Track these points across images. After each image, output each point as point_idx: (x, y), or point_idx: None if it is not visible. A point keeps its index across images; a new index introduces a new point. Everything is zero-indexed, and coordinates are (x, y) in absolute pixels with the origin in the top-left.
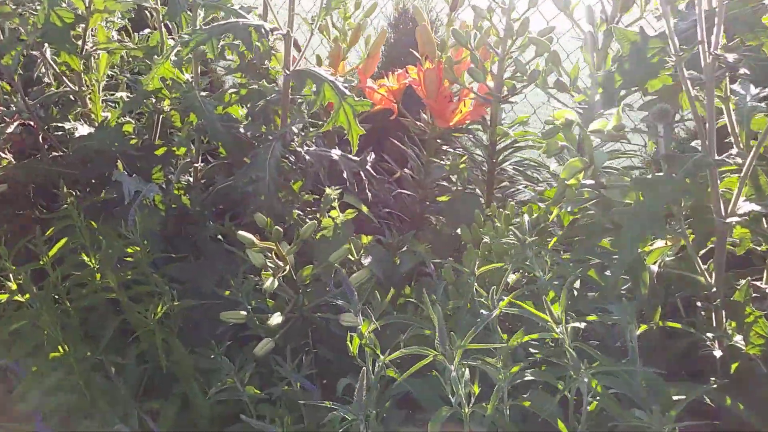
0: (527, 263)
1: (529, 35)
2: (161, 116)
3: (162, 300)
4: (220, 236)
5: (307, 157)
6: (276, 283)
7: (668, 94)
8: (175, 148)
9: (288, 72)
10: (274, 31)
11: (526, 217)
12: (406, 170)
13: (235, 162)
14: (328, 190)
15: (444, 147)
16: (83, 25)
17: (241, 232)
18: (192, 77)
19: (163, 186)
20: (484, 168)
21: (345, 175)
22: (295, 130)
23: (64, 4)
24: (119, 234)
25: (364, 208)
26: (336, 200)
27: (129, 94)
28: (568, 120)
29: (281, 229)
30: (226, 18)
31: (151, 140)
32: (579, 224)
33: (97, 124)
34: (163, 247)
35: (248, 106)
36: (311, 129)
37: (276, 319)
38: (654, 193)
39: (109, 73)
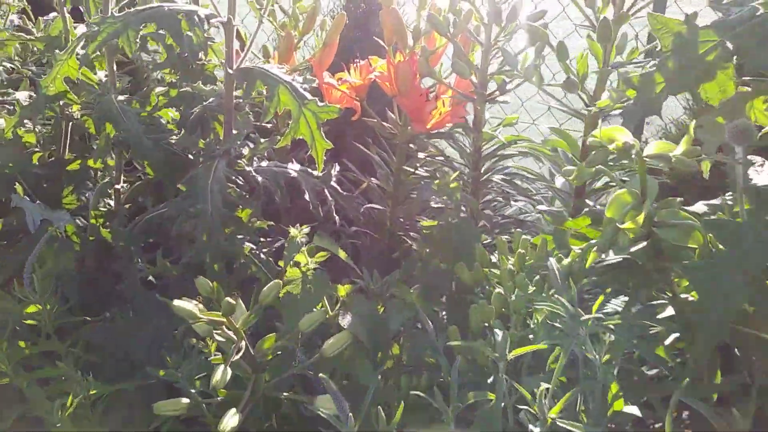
0: (581, 346)
1: (520, 21)
2: (71, 123)
3: (74, 389)
4: (152, 278)
5: (260, 178)
6: (228, 374)
7: (731, 103)
8: (91, 163)
9: (231, 71)
10: (210, 19)
11: (553, 264)
12: (373, 180)
13: (166, 183)
14: (293, 232)
15: (417, 153)
16: None
17: (177, 304)
18: (107, 75)
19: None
20: (466, 178)
21: (307, 195)
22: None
23: None
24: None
25: (342, 254)
26: (303, 242)
27: (32, 94)
28: (626, 144)
29: (233, 301)
30: (147, 2)
31: (60, 154)
32: (617, 269)
33: None
34: (78, 297)
35: (181, 111)
36: (262, 140)
37: (230, 422)
38: (737, 246)
39: (8, 65)
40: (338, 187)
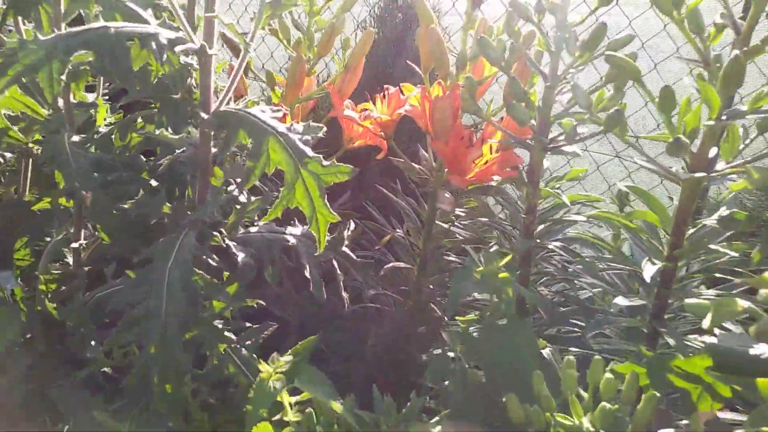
0: None
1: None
2: (31, 159)
3: None
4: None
5: (241, 257)
6: None
7: None
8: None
9: (206, 116)
10: (176, 46)
11: None
12: (398, 232)
13: (126, 252)
14: (263, 371)
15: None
16: None
17: None
18: (55, 109)
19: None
20: (514, 242)
21: (308, 271)
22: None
23: None
24: None
25: (337, 407)
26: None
27: None
28: None
29: None
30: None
31: (18, 194)
32: None
33: None
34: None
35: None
36: (252, 198)
37: None
38: None
39: None
40: (352, 255)
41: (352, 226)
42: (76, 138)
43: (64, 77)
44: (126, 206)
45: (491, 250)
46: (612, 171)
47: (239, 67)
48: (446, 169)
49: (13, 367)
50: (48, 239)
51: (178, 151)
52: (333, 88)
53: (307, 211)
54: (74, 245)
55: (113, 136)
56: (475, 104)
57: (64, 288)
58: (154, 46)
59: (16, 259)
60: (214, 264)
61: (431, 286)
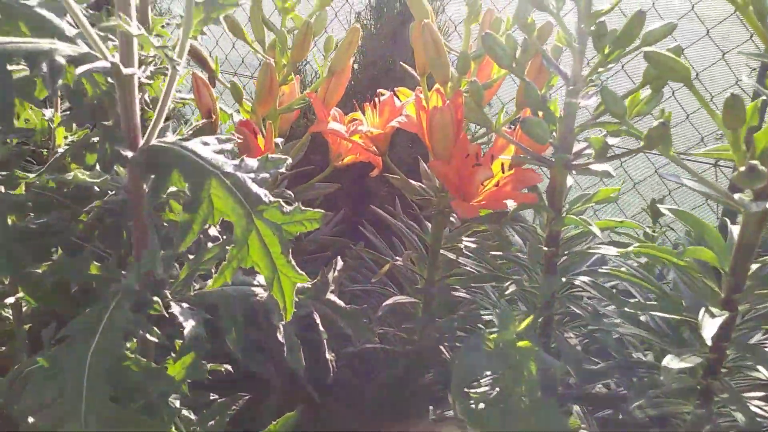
0: None
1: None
2: None
3: None
4: None
5: (187, 327)
6: None
7: None
8: None
9: (129, 153)
10: (79, 65)
11: None
12: (399, 261)
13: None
14: None
15: (463, 228)
16: None
17: None
18: None
19: None
20: (536, 276)
21: (281, 335)
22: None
23: None
24: None
25: None
26: None
27: None
28: None
29: None
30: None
31: None
32: None
33: None
34: None
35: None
36: (211, 242)
37: None
38: None
39: None
40: (337, 302)
41: (340, 264)
42: None
43: None
44: (40, 271)
45: (507, 290)
46: (649, 187)
47: (168, 88)
48: (452, 199)
49: None
50: None
51: (110, 193)
52: (316, 97)
53: (266, 273)
54: (10, 300)
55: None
56: (482, 113)
57: (4, 348)
58: (44, 69)
59: None
60: (156, 340)
61: (438, 320)
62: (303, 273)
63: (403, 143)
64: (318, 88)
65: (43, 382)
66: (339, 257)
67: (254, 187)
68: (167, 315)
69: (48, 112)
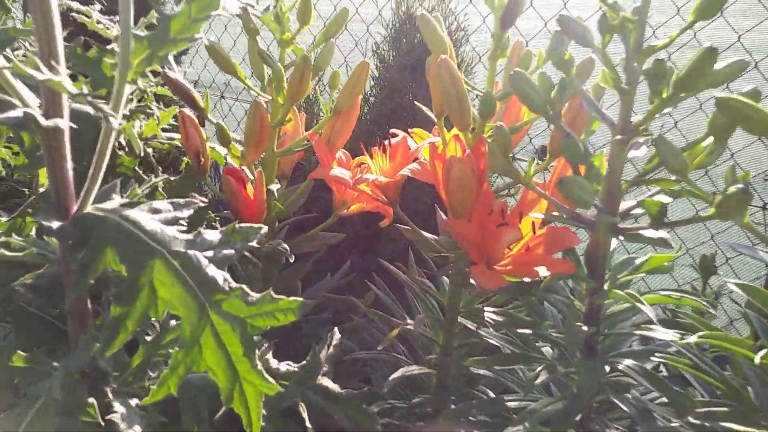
0: None
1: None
2: None
3: None
4: None
5: None
6: None
7: None
8: None
9: (56, 224)
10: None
11: None
12: (409, 324)
13: None
14: None
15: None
16: None
17: None
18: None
19: None
20: (577, 360)
21: None
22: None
23: None
24: None
25: None
26: None
27: None
28: None
29: None
30: None
31: None
32: None
33: None
34: None
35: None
36: (174, 320)
37: None
38: None
39: None
40: (330, 387)
41: (337, 336)
42: None
43: None
44: None
45: (537, 378)
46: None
47: (102, 145)
48: (473, 267)
49: None
50: None
51: (38, 272)
52: (319, 139)
53: (223, 382)
54: None
55: None
56: (509, 163)
57: None
58: None
59: None
60: None
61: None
62: (272, 381)
63: (420, 183)
64: (322, 130)
65: None
66: (336, 329)
67: (211, 270)
68: (102, 423)
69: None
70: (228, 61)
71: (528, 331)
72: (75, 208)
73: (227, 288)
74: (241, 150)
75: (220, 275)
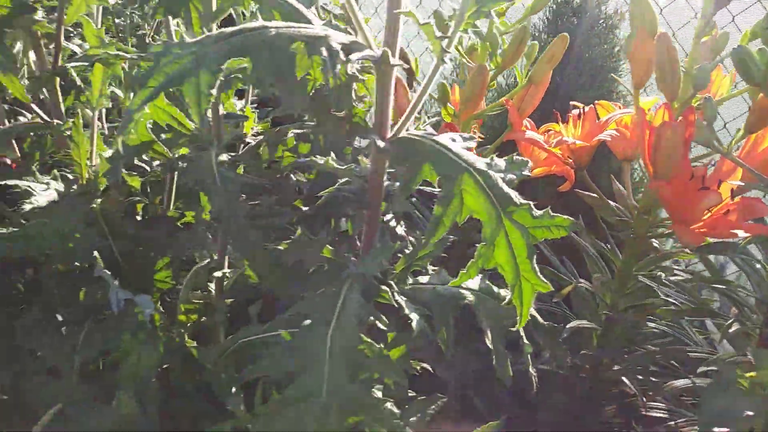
0: None
1: None
2: (175, 173)
3: None
4: None
5: (414, 321)
6: None
7: None
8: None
9: (382, 144)
10: (352, 52)
11: None
12: (582, 283)
13: (276, 293)
14: None
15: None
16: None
17: None
18: (212, 122)
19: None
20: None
21: (489, 340)
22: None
23: None
24: None
25: None
26: None
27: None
28: None
29: None
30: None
31: (162, 210)
32: None
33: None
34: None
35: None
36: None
37: None
38: None
39: None
40: (536, 316)
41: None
42: (224, 157)
43: (214, 91)
44: (281, 248)
45: (730, 328)
46: None
47: (428, 81)
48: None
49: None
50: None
51: (340, 182)
52: (512, 105)
53: (509, 277)
54: (217, 274)
55: (261, 150)
56: (713, 134)
57: (204, 319)
58: (324, 53)
59: (156, 280)
60: (385, 328)
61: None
62: (546, 281)
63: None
64: (515, 97)
65: (283, 356)
66: None
67: (505, 188)
68: (396, 305)
69: (239, 103)
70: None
71: (721, 286)
72: (390, 133)
73: (518, 202)
74: (452, 109)
75: (512, 192)
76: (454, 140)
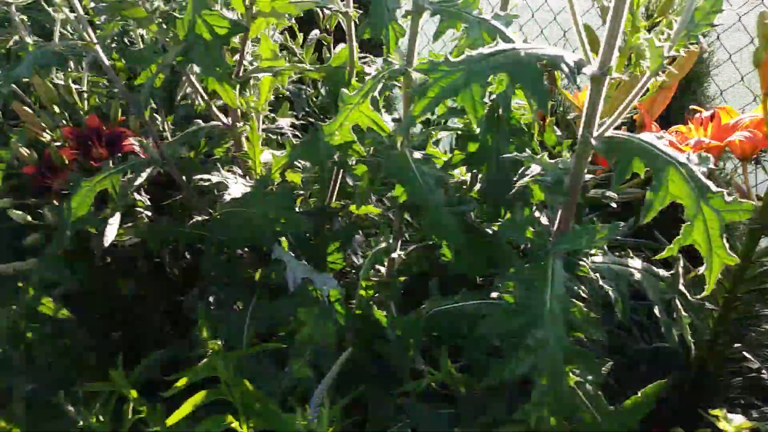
0: None
1: None
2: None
3: None
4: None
5: (610, 290)
6: None
7: None
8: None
9: (593, 139)
10: (581, 68)
11: None
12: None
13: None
14: None
15: None
16: (240, 36)
17: None
18: (402, 120)
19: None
20: None
21: (657, 310)
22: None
23: (216, 7)
24: None
25: None
26: None
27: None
28: None
29: None
30: (474, 38)
31: (326, 200)
32: None
33: (254, 178)
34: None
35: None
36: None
37: None
38: None
39: None
40: (686, 293)
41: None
42: (417, 155)
43: (486, 100)
44: (495, 228)
45: None
46: None
47: (643, 83)
48: None
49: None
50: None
51: (531, 174)
52: (643, 107)
53: (704, 251)
54: (394, 255)
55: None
56: None
57: (377, 295)
58: (565, 68)
59: (329, 262)
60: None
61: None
62: (733, 255)
63: None
64: (645, 100)
65: (506, 317)
66: None
67: (702, 177)
68: (594, 277)
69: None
70: None
71: None
72: (595, 132)
73: (714, 190)
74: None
75: (709, 182)
76: (658, 138)
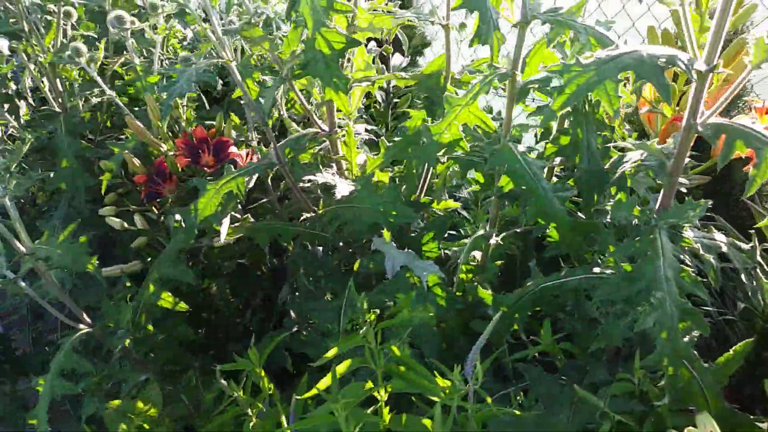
0: None
1: None
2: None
3: None
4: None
5: (710, 258)
6: None
7: None
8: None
9: (698, 124)
10: (692, 64)
11: None
12: None
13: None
14: None
15: None
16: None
17: None
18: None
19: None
20: None
21: (744, 278)
22: None
23: (331, 24)
24: None
25: None
26: None
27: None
28: None
29: None
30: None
31: (416, 195)
32: None
33: (353, 178)
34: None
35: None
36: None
37: None
38: None
39: None
40: (763, 263)
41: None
42: (521, 148)
43: (620, 94)
44: (608, 208)
45: None
46: None
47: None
48: None
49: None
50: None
51: (633, 159)
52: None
53: None
54: (491, 241)
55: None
56: None
57: (474, 278)
58: (681, 65)
59: (425, 251)
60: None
61: None
62: None
63: None
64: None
65: (624, 283)
66: None
67: None
68: (696, 247)
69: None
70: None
71: None
72: (700, 119)
73: None
74: None
75: None
76: (753, 122)
